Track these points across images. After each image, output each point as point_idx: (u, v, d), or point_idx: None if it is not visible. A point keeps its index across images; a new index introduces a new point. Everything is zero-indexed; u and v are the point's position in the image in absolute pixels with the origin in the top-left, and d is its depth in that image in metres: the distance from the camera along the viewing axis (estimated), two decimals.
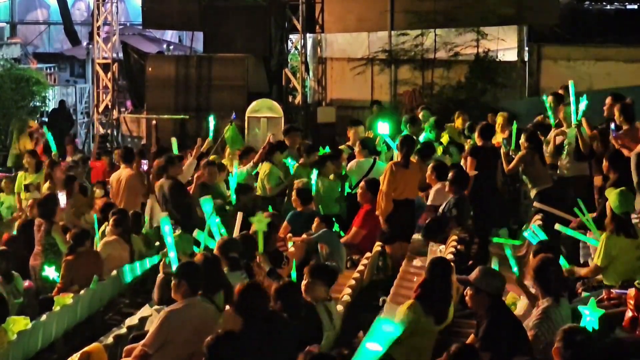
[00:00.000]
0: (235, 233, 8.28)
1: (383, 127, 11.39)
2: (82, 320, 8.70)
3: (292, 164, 11.79)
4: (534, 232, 7.79)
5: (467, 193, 9.53)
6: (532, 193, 10.31)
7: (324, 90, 20.39)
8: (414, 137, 10.90)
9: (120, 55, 20.72)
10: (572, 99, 10.15)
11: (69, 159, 15.07)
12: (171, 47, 24.28)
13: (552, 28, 18.37)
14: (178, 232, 8.68)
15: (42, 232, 9.62)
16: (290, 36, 20.06)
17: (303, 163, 11.81)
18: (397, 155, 10.04)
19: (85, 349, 6.71)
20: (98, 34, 20.34)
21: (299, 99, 19.48)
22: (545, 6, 18.28)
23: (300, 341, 5.92)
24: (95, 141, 20.01)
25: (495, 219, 10.26)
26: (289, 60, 20.34)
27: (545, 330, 5.91)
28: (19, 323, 7.51)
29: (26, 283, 9.15)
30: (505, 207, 11.00)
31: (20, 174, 12.62)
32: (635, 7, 20.11)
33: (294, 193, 10.19)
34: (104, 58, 20.31)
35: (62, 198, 10.28)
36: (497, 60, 18.44)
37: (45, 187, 11.77)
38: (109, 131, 20.17)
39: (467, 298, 6.10)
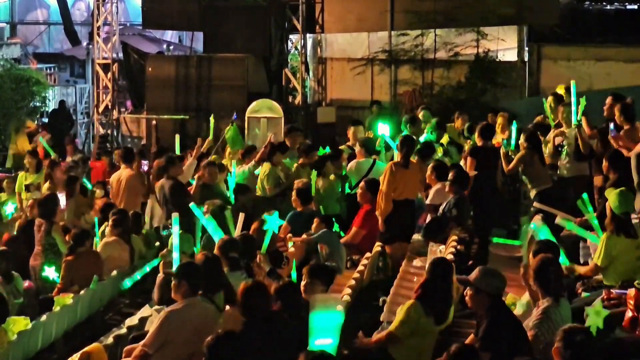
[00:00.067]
0: (236, 233, 8.29)
1: (383, 128, 11.40)
2: (82, 320, 8.70)
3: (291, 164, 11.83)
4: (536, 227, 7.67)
5: (467, 193, 9.53)
6: (532, 193, 10.31)
7: (324, 91, 20.39)
8: (414, 137, 10.91)
9: (120, 55, 20.72)
10: (573, 99, 10.15)
11: (69, 159, 15.06)
12: (171, 47, 24.28)
13: (552, 28, 18.37)
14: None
15: (42, 232, 9.62)
16: (290, 36, 20.06)
17: (303, 163, 11.82)
18: (397, 155, 10.04)
19: (85, 349, 6.71)
20: (98, 34, 20.35)
21: (299, 99, 19.48)
22: (545, 6, 18.27)
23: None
24: (95, 141, 20.01)
25: (495, 219, 10.27)
26: (289, 60, 20.34)
27: (545, 330, 5.90)
28: (19, 323, 7.51)
29: (26, 283, 9.15)
30: (505, 207, 11.00)
31: (21, 174, 12.62)
32: (635, 7, 20.10)
33: (293, 193, 10.19)
34: (104, 58, 20.32)
35: (62, 199, 10.28)
36: (497, 60, 18.44)
37: (45, 187, 11.77)
38: (109, 131, 20.17)
39: (467, 298, 6.10)
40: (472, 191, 9.66)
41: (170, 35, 26.45)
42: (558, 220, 7.88)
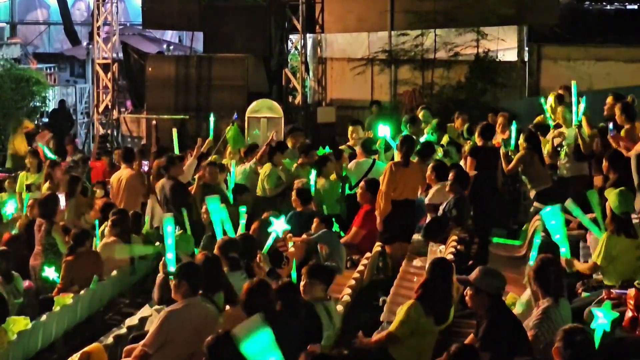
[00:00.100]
0: (240, 232, 8.32)
1: (384, 130, 11.40)
2: (82, 320, 8.70)
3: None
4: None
5: (467, 193, 9.53)
6: (532, 193, 10.31)
7: (324, 90, 20.39)
8: (414, 137, 10.90)
9: (120, 55, 20.70)
10: (574, 99, 10.15)
11: (69, 159, 15.07)
12: (171, 47, 24.26)
13: (552, 28, 18.37)
14: (179, 232, 8.70)
15: (43, 232, 9.61)
16: (290, 36, 20.06)
17: (302, 163, 11.82)
18: (397, 155, 10.04)
19: (85, 349, 6.72)
20: (98, 34, 20.34)
21: (299, 99, 19.47)
22: (545, 6, 18.26)
23: (300, 341, 5.93)
24: (95, 141, 20.00)
25: (495, 219, 10.27)
26: (289, 60, 20.33)
27: (545, 330, 5.91)
28: (19, 323, 7.51)
29: (26, 283, 9.15)
30: (505, 207, 11.01)
31: (22, 174, 12.62)
32: (635, 7, 20.10)
33: (293, 193, 10.19)
34: (104, 58, 20.30)
35: (61, 199, 10.27)
36: (497, 60, 18.44)
37: (45, 187, 11.76)
38: (109, 131, 20.16)
39: (467, 298, 6.10)
40: (472, 191, 9.66)
41: (170, 35, 26.44)
42: (567, 204, 7.74)
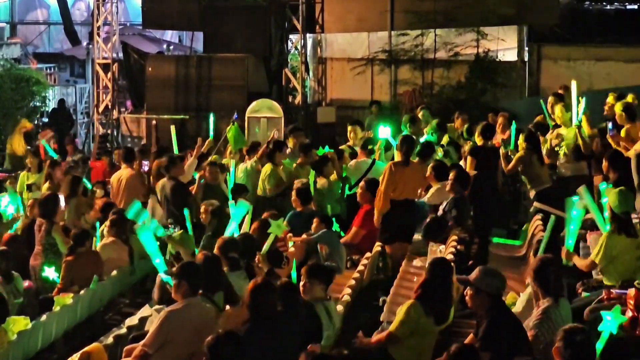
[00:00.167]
0: (244, 230, 8.34)
1: (385, 131, 11.40)
2: (82, 320, 8.69)
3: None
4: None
5: (467, 193, 9.53)
6: (532, 193, 10.31)
7: (324, 90, 20.40)
8: (414, 137, 10.90)
9: (120, 55, 20.70)
10: (574, 99, 10.15)
11: (69, 159, 15.06)
12: (171, 47, 24.25)
13: (552, 28, 18.37)
14: (179, 232, 8.70)
15: (43, 232, 9.60)
16: (290, 36, 20.05)
17: (302, 163, 11.82)
18: (397, 155, 10.04)
19: (85, 349, 6.72)
20: (98, 34, 20.33)
21: (299, 99, 19.47)
22: (545, 6, 18.26)
23: (300, 341, 5.93)
24: (95, 141, 19.99)
25: (495, 219, 10.27)
26: (289, 60, 20.33)
27: (545, 330, 5.91)
28: (19, 323, 7.50)
29: (26, 283, 9.14)
30: (505, 207, 11.01)
31: (23, 173, 12.62)
32: (635, 7, 20.10)
33: (293, 193, 10.19)
34: (104, 58, 20.30)
35: (61, 199, 10.26)
36: (497, 60, 18.44)
37: (45, 187, 11.76)
38: (109, 131, 20.16)
39: (467, 298, 6.10)
40: (472, 191, 9.66)
41: (170, 35, 26.44)
42: (579, 190, 7.69)
